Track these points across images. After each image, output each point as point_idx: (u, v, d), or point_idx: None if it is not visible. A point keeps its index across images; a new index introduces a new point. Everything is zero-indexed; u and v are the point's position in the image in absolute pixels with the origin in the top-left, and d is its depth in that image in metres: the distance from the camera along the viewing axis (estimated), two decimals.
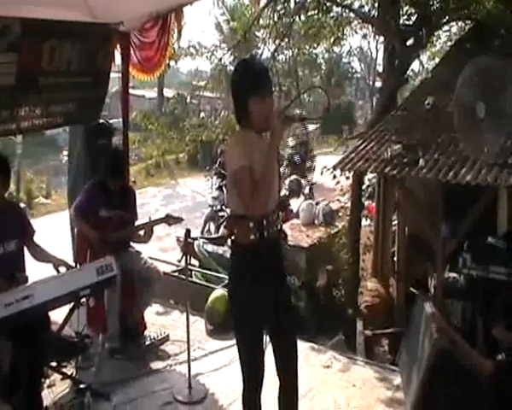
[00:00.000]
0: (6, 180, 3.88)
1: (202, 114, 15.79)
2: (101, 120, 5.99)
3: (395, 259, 8.45)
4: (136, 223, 5.12)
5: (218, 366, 4.84)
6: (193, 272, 7.78)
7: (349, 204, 10.36)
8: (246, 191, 2.77)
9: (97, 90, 5.52)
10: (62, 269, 3.90)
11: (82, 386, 4.11)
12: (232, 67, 12.69)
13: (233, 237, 2.99)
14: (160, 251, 10.65)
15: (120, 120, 5.99)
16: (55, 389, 4.20)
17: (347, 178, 8.72)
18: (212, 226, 11.25)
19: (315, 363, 4.92)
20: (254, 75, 2.86)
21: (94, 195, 4.86)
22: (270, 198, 2.87)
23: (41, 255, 4.03)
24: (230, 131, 11.73)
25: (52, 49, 4.67)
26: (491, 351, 3.56)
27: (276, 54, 11.78)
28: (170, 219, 5.04)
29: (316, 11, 10.87)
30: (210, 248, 8.80)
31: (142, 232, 5.02)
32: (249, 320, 2.94)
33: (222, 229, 10.55)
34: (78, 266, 4.80)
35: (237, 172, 2.79)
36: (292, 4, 10.85)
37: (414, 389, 4.04)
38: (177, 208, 13.51)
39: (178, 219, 5.07)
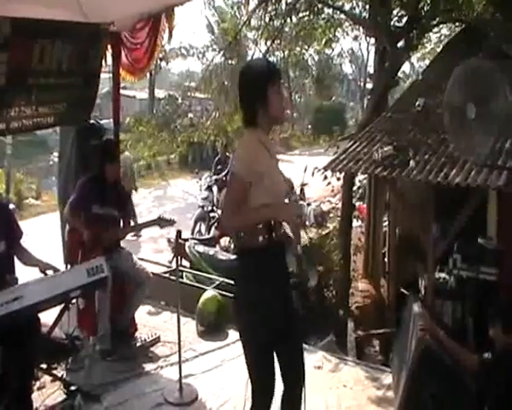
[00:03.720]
0: None
1: (191, 115, 15.76)
2: (91, 121, 5.97)
3: (386, 260, 8.50)
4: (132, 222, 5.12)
5: (209, 367, 4.83)
6: (184, 274, 7.76)
7: (340, 205, 10.39)
8: (231, 202, 2.81)
9: (88, 91, 5.48)
10: (49, 272, 3.86)
11: (72, 388, 4.08)
12: (223, 68, 12.74)
13: (239, 239, 2.91)
14: (155, 252, 10.63)
15: (111, 120, 5.97)
16: (45, 391, 4.16)
17: (338, 179, 8.74)
18: (203, 227, 11.23)
19: (306, 363, 4.87)
20: (271, 68, 2.98)
21: (87, 190, 4.85)
22: (277, 201, 2.89)
23: (28, 259, 3.98)
24: (222, 132, 11.74)
25: (42, 49, 4.62)
26: (480, 350, 3.59)
27: (267, 55, 11.78)
28: (162, 222, 5.04)
29: (307, 13, 10.91)
30: (201, 249, 8.78)
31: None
32: (258, 324, 2.84)
33: (213, 230, 10.54)
34: (68, 266, 4.79)
35: (233, 176, 2.83)
36: (283, 6, 10.86)
37: (401, 388, 4.06)
38: (168, 209, 13.44)
39: (170, 222, 5.06)
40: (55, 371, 4.30)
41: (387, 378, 4.65)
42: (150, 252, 10.36)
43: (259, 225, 2.80)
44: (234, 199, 2.81)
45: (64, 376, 4.31)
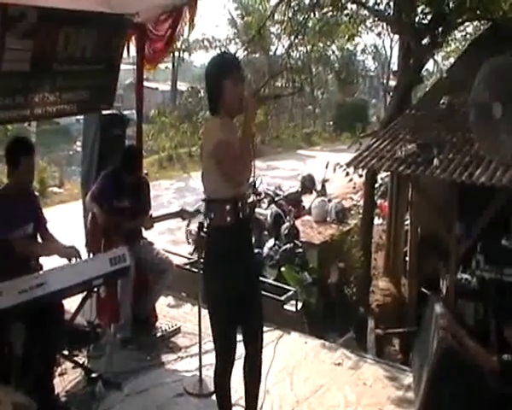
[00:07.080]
0: (33, 164, 3.84)
1: None
2: (115, 111, 5.99)
3: (407, 258, 8.44)
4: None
5: None
6: None
7: (361, 202, 10.35)
8: (229, 162, 2.95)
9: (110, 78, 5.49)
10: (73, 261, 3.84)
11: (93, 375, 4.11)
12: (246, 62, 12.75)
13: (209, 220, 3.15)
14: (172, 244, 10.65)
15: (133, 111, 5.99)
16: (66, 377, 4.20)
17: (360, 176, 8.69)
18: None
19: (325, 360, 4.90)
20: (228, 62, 3.17)
21: (107, 186, 4.87)
22: (245, 176, 3.14)
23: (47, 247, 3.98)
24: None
25: (67, 36, 4.66)
26: (503, 352, 3.54)
27: (290, 50, 11.75)
28: (184, 214, 5.05)
29: (330, 8, 10.86)
30: None
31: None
32: (225, 297, 3.11)
33: None
34: (91, 255, 4.82)
35: (217, 146, 2.96)
36: (306, 0, 10.83)
37: (422, 389, 4.02)
38: (189, 201, 13.43)
39: (192, 214, 5.08)
40: (76, 358, 4.34)
41: (408, 378, 4.60)
42: (167, 244, 10.38)
43: (227, 207, 3.02)
44: (228, 159, 2.94)
45: (85, 363, 4.34)
